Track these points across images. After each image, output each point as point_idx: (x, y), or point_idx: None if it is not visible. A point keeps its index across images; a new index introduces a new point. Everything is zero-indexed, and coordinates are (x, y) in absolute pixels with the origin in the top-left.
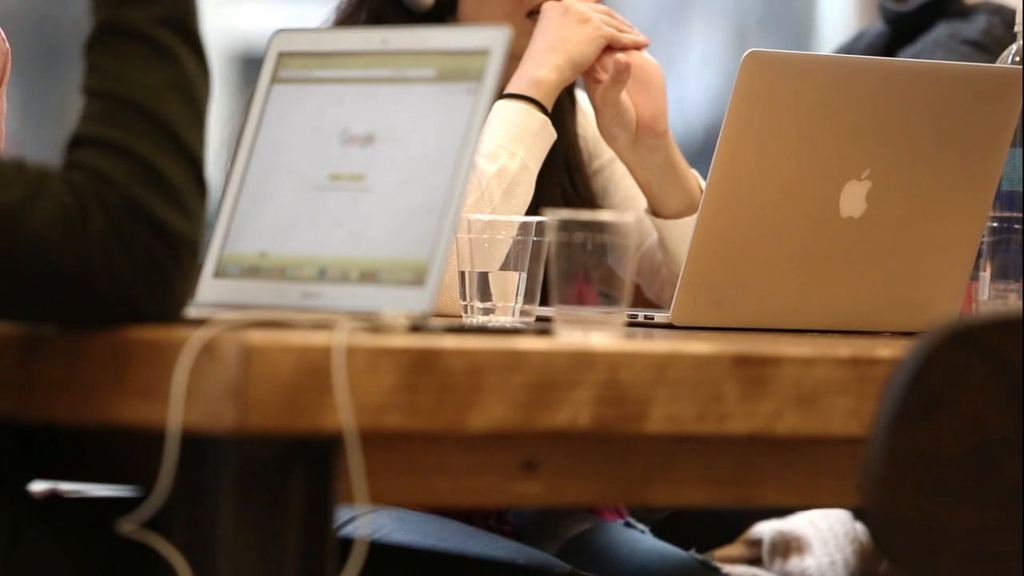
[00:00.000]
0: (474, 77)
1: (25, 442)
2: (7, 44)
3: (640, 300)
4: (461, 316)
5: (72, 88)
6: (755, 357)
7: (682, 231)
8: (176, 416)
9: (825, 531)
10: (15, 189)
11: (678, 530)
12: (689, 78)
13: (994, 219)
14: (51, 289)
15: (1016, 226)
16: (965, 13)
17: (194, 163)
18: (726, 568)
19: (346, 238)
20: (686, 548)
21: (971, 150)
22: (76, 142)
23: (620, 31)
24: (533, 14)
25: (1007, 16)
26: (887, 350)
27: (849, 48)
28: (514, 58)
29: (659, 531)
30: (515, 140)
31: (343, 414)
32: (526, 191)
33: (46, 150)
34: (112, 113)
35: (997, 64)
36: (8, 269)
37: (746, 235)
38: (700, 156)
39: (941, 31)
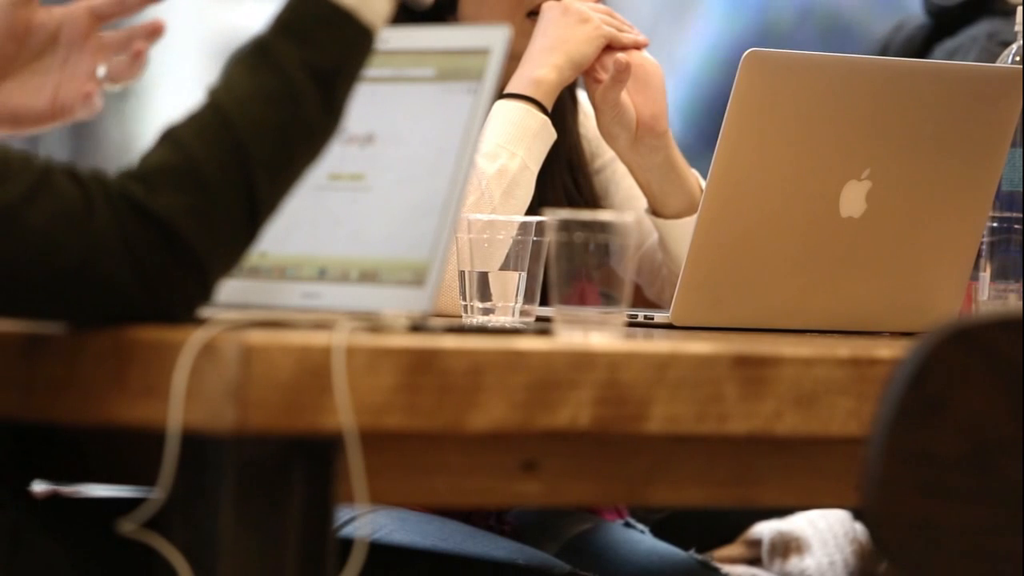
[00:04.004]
0: (474, 77)
1: (26, 442)
2: None
3: (640, 300)
4: (461, 316)
5: None
6: (755, 357)
7: (682, 231)
8: (176, 416)
9: (825, 531)
10: (18, 184)
11: (678, 530)
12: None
13: (994, 219)
14: (49, 285)
15: (1016, 226)
16: (1009, 13)
17: (253, 208)
18: (726, 568)
19: (346, 238)
20: (686, 548)
21: (971, 150)
22: (166, 130)
23: (620, 31)
24: (533, 14)
25: None
26: (887, 350)
27: (887, 39)
28: (514, 58)
29: (659, 531)
30: (515, 140)
31: (343, 414)
32: (526, 191)
33: (46, 150)
34: (207, 126)
35: (997, 64)
36: (7, 266)
37: (746, 235)
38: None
39: (982, 28)
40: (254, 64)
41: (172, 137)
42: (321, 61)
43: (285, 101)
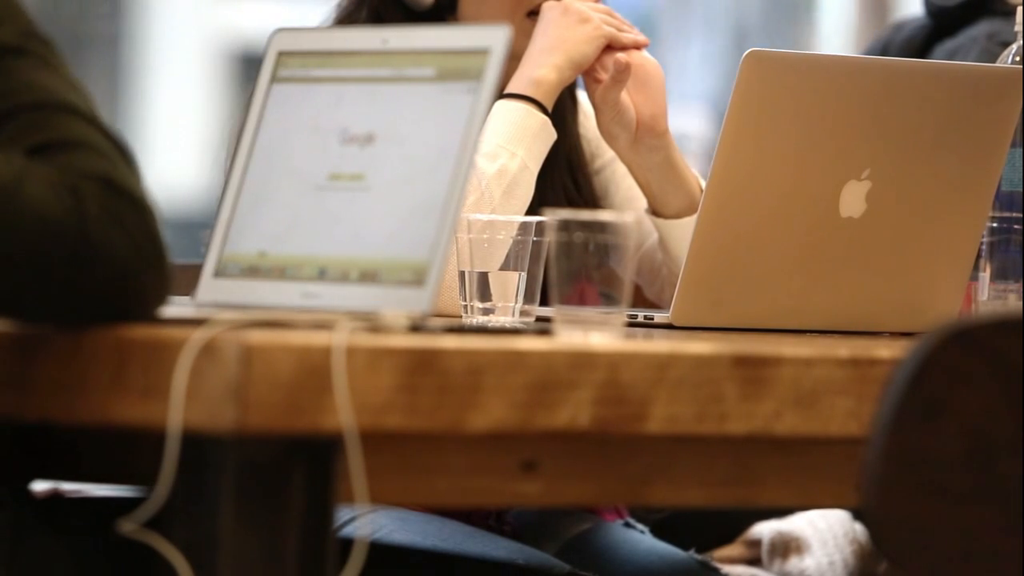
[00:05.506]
0: (474, 77)
1: (25, 442)
2: None
3: (640, 300)
4: (461, 316)
5: None
6: (755, 357)
7: (682, 231)
8: (176, 416)
9: (824, 531)
10: (5, 174)
11: (678, 530)
12: (689, 78)
13: (994, 219)
14: (52, 273)
15: (1016, 226)
16: (1009, 13)
17: (115, 139)
18: (726, 568)
19: (346, 238)
20: (686, 548)
21: (971, 150)
22: (20, 160)
23: (620, 30)
24: (533, 14)
25: None
26: (887, 350)
27: (888, 40)
28: (514, 58)
29: (659, 531)
30: (515, 140)
31: (343, 414)
32: (526, 191)
33: None
34: (35, 120)
35: (997, 64)
36: (9, 255)
37: (746, 235)
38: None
39: (982, 29)
40: None
41: (30, 153)
42: (24, 25)
43: (45, 64)
